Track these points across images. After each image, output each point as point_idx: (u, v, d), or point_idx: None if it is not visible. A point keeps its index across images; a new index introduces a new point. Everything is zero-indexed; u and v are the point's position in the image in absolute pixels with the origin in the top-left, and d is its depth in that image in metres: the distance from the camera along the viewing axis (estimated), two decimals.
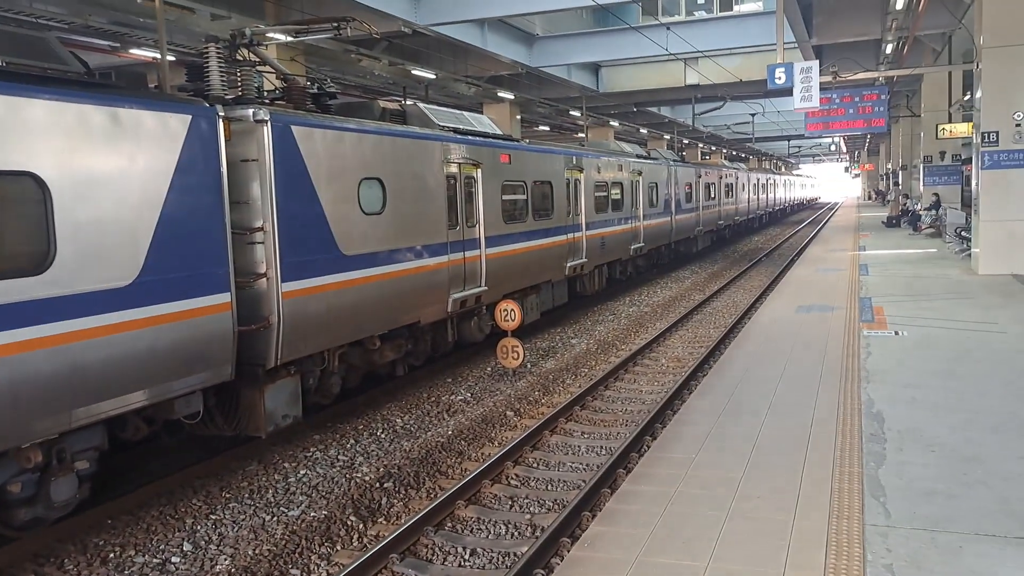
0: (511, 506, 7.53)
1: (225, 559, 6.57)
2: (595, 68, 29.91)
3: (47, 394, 6.06)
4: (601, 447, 9.01)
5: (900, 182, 42.30)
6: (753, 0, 28.32)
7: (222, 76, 8.58)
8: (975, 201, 16.52)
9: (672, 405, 10.02)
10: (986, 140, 15.66)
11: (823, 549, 4.77)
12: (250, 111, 8.17)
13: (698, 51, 24.00)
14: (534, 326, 15.78)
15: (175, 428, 8.63)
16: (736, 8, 28.26)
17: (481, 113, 19.72)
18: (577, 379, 12.14)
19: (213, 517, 7.36)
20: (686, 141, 50.66)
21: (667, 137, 48.13)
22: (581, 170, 17.13)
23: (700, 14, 28.53)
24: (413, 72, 23.15)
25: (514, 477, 8.23)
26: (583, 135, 36.43)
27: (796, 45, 21.79)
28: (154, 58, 16.87)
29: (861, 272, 17.63)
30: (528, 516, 7.21)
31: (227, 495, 7.86)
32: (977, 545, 4.69)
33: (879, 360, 9.32)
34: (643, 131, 47.53)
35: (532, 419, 10.15)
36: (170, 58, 15.12)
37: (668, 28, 23.48)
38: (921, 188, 32.13)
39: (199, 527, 7.16)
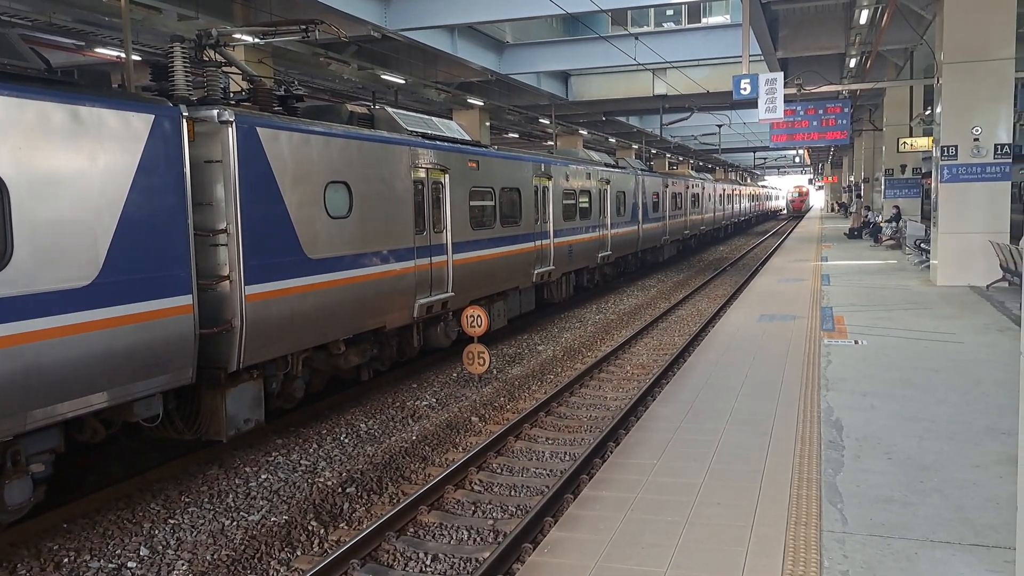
0: (474, 511, 7.51)
1: (183, 564, 6.49)
2: (564, 77, 30.07)
3: (1, 395, 5.94)
4: (565, 453, 9.03)
5: (862, 194, 42.92)
6: (721, 13, 28.63)
7: (187, 76, 8.49)
8: (934, 214, 16.82)
9: (636, 412, 10.06)
10: (945, 154, 15.96)
11: (781, 555, 4.82)
12: (215, 112, 8.10)
13: (666, 62, 24.23)
14: (501, 332, 15.78)
15: (134, 431, 8.52)
16: (704, 20, 28.56)
17: (451, 119, 19.69)
18: (543, 385, 12.16)
19: (172, 522, 7.27)
20: (654, 151, 51.02)
21: (635, 147, 48.42)
22: (549, 178, 17.19)
23: (669, 25, 28.85)
24: (382, 77, 23.09)
25: (478, 483, 8.22)
26: (552, 143, 36.52)
27: (762, 57, 22.07)
28: (119, 57, 16.67)
29: (823, 282, 17.85)
30: (491, 521, 7.20)
31: (186, 499, 7.76)
32: (932, 552, 4.76)
33: (839, 369, 9.44)
34: (612, 140, 47.80)
35: (497, 425, 10.15)
36: (136, 58, 14.96)
37: (637, 38, 23.68)
38: (882, 200, 32.63)
39: (157, 532, 7.06)
